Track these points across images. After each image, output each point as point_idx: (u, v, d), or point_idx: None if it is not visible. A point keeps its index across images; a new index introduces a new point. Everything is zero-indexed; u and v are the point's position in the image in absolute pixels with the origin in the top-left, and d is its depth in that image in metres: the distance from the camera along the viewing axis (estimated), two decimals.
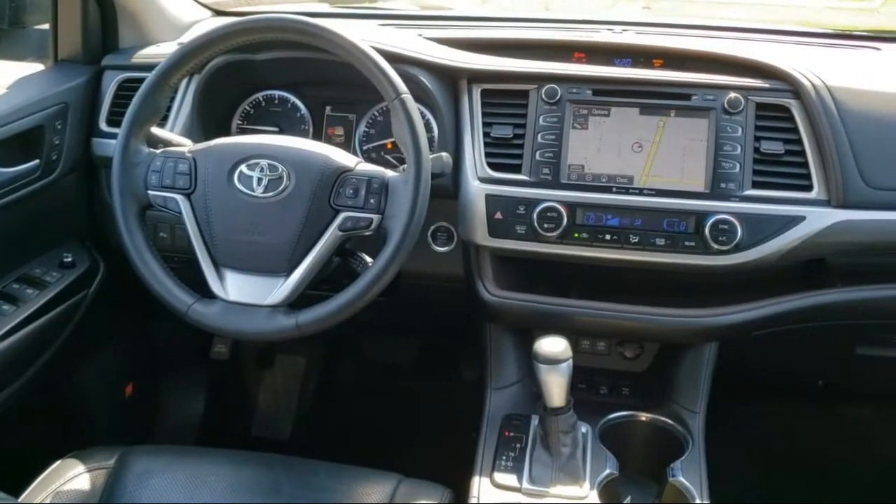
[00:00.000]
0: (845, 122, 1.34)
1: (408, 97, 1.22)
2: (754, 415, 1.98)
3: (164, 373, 2.09)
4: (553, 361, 1.20)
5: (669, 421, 1.40)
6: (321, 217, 1.22)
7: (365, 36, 1.38)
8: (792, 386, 1.81)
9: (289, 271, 1.22)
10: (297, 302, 1.23)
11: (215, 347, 2.01)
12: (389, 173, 1.24)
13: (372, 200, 1.22)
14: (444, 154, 1.30)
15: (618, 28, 1.72)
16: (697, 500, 1.24)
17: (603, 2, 2.54)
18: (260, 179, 1.24)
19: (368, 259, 1.29)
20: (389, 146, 1.55)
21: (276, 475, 1.26)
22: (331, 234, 1.22)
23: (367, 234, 1.23)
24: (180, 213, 1.26)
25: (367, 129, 1.56)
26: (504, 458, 1.29)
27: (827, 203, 1.33)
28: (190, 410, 2.09)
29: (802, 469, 2.00)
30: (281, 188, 1.23)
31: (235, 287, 1.24)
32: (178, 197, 1.26)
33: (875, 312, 1.42)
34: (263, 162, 1.24)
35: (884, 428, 2.06)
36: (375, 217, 1.21)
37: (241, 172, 1.24)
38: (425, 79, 1.43)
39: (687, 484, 1.26)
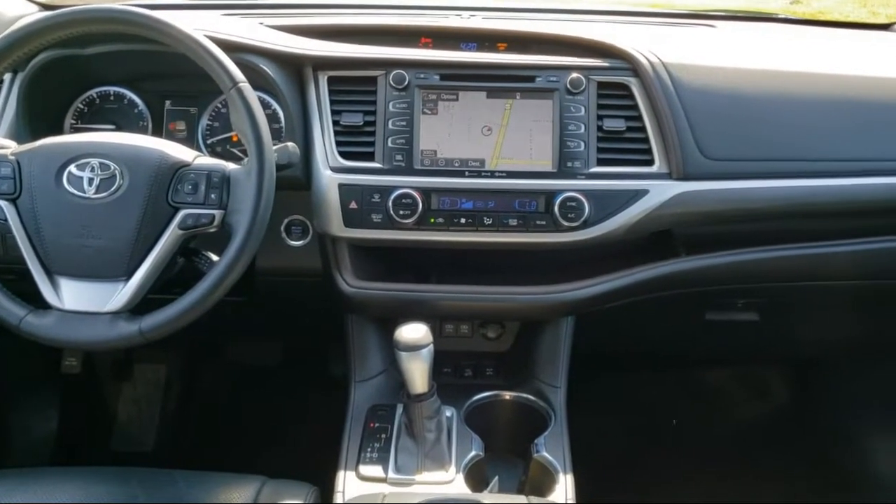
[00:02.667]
0: (682, 98, 1.40)
1: (245, 86, 1.18)
2: (615, 385, 2.05)
3: (11, 392, 1.95)
4: (413, 348, 1.19)
5: (532, 397, 1.43)
6: (159, 216, 1.16)
7: (203, 26, 1.33)
8: (648, 355, 1.89)
9: (128, 275, 1.15)
10: (142, 307, 1.17)
11: (65, 361, 1.89)
12: (231, 166, 1.20)
13: (213, 195, 1.17)
14: (289, 144, 1.26)
15: (466, 13, 1.73)
16: (561, 474, 1.26)
17: None
18: (91, 179, 1.17)
19: (215, 257, 1.24)
20: (235, 139, 1.49)
21: (131, 489, 1.19)
22: (171, 234, 1.16)
23: (212, 230, 1.18)
24: (5, 220, 1.18)
25: (210, 123, 1.49)
26: (369, 449, 1.28)
27: (668, 176, 1.39)
28: (42, 430, 1.96)
29: (663, 435, 2.09)
30: (114, 188, 1.16)
31: (71, 295, 1.16)
32: (2, 203, 1.18)
33: (719, 278, 1.49)
34: (94, 161, 1.17)
35: (738, 390, 2.19)
36: (218, 213, 1.17)
37: (69, 173, 1.17)
38: (267, 67, 1.38)
39: (551, 458, 1.28)
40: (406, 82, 1.38)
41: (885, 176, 1.42)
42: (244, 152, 1.47)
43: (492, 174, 1.37)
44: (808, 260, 1.48)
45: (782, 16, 2.06)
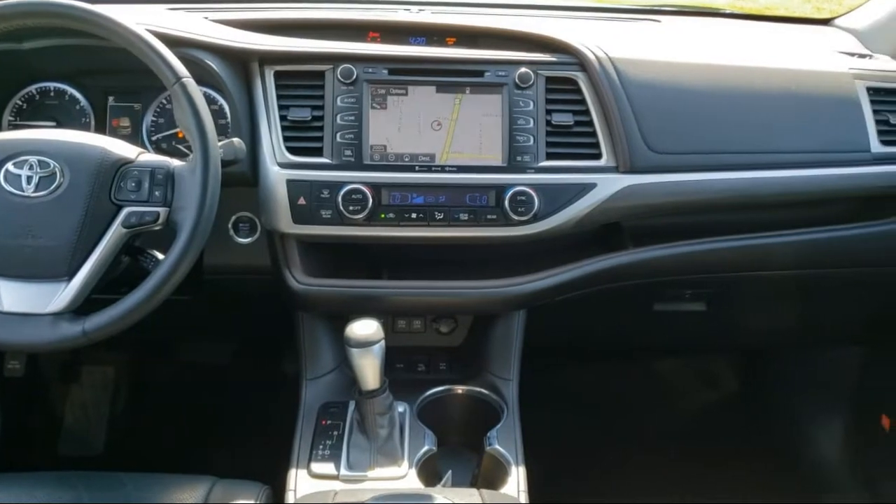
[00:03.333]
0: (628, 92, 1.41)
1: (189, 81, 1.16)
2: (567, 377, 2.07)
3: None
4: (365, 344, 1.19)
5: (485, 391, 1.43)
6: (102, 214, 1.14)
7: (146, 20, 1.31)
8: (599, 346, 1.91)
9: (70, 275, 1.13)
10: (86, 307, 1.14)
11: (7, 364, 1.83)
12: (175, 162, 1.18)
13: (157, 193, 1.15)
14: (235, 140, 1.24)
15: (414, 8, 1.73)
16: (513, 466, 1.27)
17: None
18: (30, 178, 1.14)
19: (160, 256, 1.22)
20: (181, 135, 1.46)
21: (76, 494, 1.17)
22: (114, 232, 1.14)
23: (157, 228, 1.16)
24: None
25: (154, 119, 1.47)
26: (321, 447, 1.27)
27: (615, 169, 1.40)
28: None
29: (615, 425, 2.12)
30: (54, 186, 1.13)
31: (11, 296, 1.13)
32: None
33: (666, 270, 1.52)
34: (32, 159, 1.14)
35: (688, 380, 2.23)
36: (162, 210, 1.15)
37: (7, 171, 1.14)
38: (212, 62, 1.36)
39: (503, 451, 1.29)
40: (354, 77, 1.37)
41: (824, 167, 1.46)
42: (190, 149, 1.46)
43: (442, 169, 1.37)
44: (752, 251, 1.51)
45: (727, 11, 2.11)
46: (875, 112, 1.51)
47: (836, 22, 1.87)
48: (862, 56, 1.65)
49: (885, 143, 1.50)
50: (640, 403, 2.18)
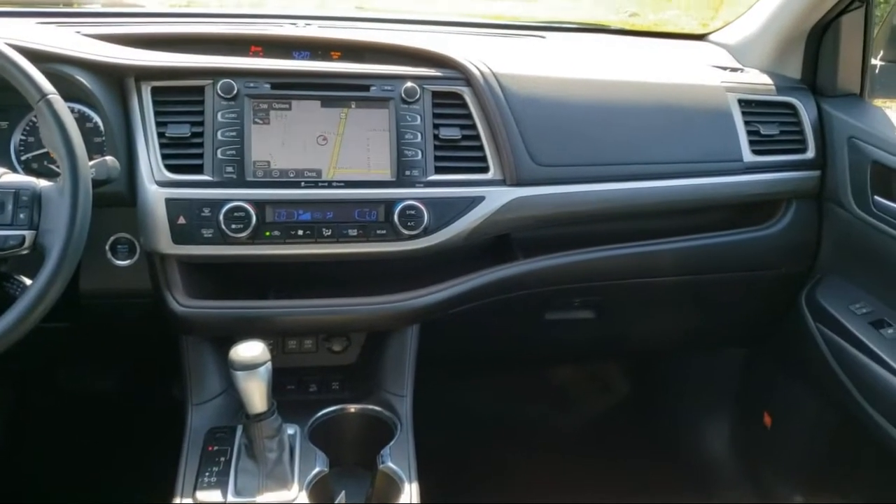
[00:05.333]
0: (512, 107, 1.43)
1: (54, 98, 1.11)
2: (462, 389, 2.08)
3: None
4: (250, 367, 1.16)
5: (378, 408, 1.42)
6: None
7: (11, 35, 1.24)
8: (494, 357, 1.92)
9: None
10: None
11: None
12: (42, 183, 1.12)
13: (22, 215, 1.09)
14: (108, 158, 1.19)
15: (301, 22, 1.71)
16: (406, 483, 1.26)
17: (313, 1, 2.54)
18: None
19: (28, 281, 1.16)
20: (53, 154, 1.40)
21: None
22: None
23: (24, 253, 1.10)
24: None
25: (24, 138, 1.39)
26: (207, 474, 1.23)
27: (503, 182, 1.42)
28: None
29: (512, 434, 2.14)
30: None
31: None
32: None
33: (555, 279, 1.55)
34: None
35: (581, 386, 2.27)
36: (28, 233, 1.09)
37: None
38: (83, 78, 1.30)
39: (395, 468, 1.28)
40: (235, 92, 1.34)
41: (700, 177, 1.53)
42: None
43: (329, 184, 1.36)
44: (636, 258, 1.56)
45: (610, 27, 2.17)
46: (746, 123, 1.58)
47: (711, 37, 1.96)
48: (734, 70, 1.72)
49: (756, 152, 1.58)
50: (536, 411, 2.21)
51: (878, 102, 1.69)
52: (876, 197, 1.52)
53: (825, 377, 1.61)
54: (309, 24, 1.70)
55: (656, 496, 1.94)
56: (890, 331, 1.52)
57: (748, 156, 1.57)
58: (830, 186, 1.62)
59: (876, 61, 1.67)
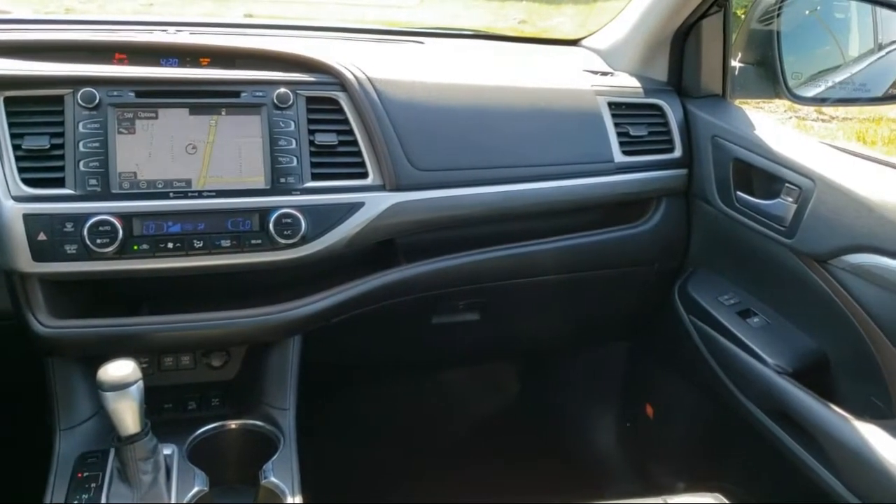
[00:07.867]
0: (389, 112, 1.43)
1: None
2: (351, 397, 2.06)
3: None
4: (119, 387, 1.10)
5: (260, 423, 1.38)
6: None
7: None
8: (382, 364, 1.91)
9: None
10: None
11: None
12: None
13: None
14: None
15: (172, 29, 1.66)
16: (289, 497, 1.23)
17: (202, 8, 2.47)
18: None
19: None
20: None
21: None
22: None
23: None
24: None
25: None
26: (76, 502, 1.16)
27: (382, 188, 1.42)
28: None
29: (402, 440, 2.13)
30: None
31: None
32: None
33: (438, 283, 1.55)
34: None
35: (472, 388, 2.29)
36: None
37: None
38: None
39: (278, 482, 1.25)
40: (97, 101, 1.28)
41: (573, 178, 1.57)
42: None
43: (200, 194, 1.32)
44: (517, 259, 1.59)
45: (487, 33, 2.20)
46: (616, 125, 1.63)
47: (583, 42, 2.01)
48: (604, 73, 1.78)
49: (626, 153, 1.63)
50: (427, 415, 2.21)
51: (740, 102, 1.78)
52: (738, 192, 1.60)
53: (699, 367, 1.68)
54: (180, 31, 1.64)
55: (547, 496, 1.97)
56: (756, 319, 1.60)
57: (619, 156, 1.62)
58: (697, 184, 1.69)
59: (736, 63, 1.76)
